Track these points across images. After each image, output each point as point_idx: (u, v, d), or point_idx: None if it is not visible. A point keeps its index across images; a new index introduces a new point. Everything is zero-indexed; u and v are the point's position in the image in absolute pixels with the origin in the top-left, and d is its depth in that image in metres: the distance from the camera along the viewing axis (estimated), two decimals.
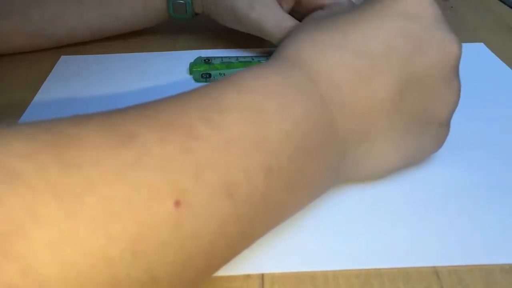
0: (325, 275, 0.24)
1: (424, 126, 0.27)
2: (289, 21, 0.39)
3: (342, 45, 0.24)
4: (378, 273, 0.24)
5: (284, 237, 0.26)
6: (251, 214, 0.20)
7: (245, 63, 0.42)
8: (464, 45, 0.45)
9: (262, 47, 0.45)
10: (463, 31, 0.49)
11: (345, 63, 0.24)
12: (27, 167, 0.16)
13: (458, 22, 0.51)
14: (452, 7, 0.55)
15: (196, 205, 0.18)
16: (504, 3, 0.55)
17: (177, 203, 0.18)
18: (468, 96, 0.38)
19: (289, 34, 0.27)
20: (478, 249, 0.25)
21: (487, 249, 0.25)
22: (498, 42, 0.46)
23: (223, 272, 0.24)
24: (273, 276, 0.24)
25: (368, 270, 0.24)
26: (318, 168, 0.23)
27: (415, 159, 0.29)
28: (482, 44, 0.46)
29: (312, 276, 0.24)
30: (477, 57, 0.44)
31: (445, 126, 0.28)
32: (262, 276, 0.24)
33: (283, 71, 0.24)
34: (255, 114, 0.21)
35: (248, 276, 0.24)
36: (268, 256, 0.25)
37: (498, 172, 0.30)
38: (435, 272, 0.24)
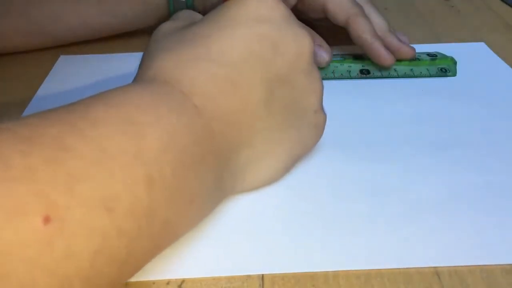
0: (325, 275, 0.24)
1: (300, 118, 0.28)
2: None
3: (206, 58, 0.24)
4: (378, 274, 0.24)
5: (285, 238, 0.26)
6: (136, 229, 0.19)
7: None
8: (465, 44, 0.46)
9: None
10: (463, 30, 0.49)
11: (213, 74, 0.24)
12: None
13: (459, 21, 0.51)
14: (453, 6, 0.55)
15: (70, 220, 0.17)
16: (505, 2, 0.55)
17: (47, 219, 0.16)
18: (469, 95, 0.38)
19: (143, 56, 0.27)
20: (479, 250, 0.25)
21: (488, 250, 0.25)
22: (498, 41, 0.46)
23: (223, 272, 0.24)
24: (273, 277, 0.24)
25: (368, 270, 0.24)
26: (202, 181, 0.23)
27: (302, 151, 0.29)
28: (482, 43, 0.46)
29: (312, 277, 0.24)
30: (478, 56, 0.44)
31: (320, 111, 0.29)
32: (262, 276, 0.24)
33: (153, 88, 0.23)
34: (128, 126, 0.20)
35: (248, 277, 0.24)
36: (268, 257, 0.25)
37: (499, 172, 0.30)
38: (436, 272, 0.24)
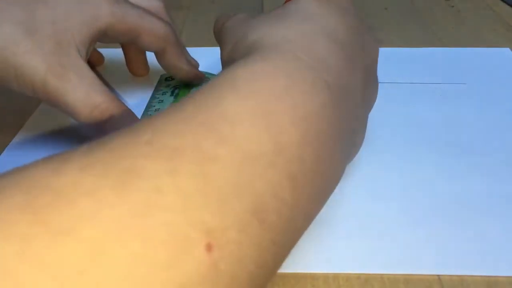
0: (325, 276, 0.24)
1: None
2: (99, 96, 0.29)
3: (322, 33, 0.23)
4: (379, 275, 0.24)
5: None
6: (283, 233, 0.18)
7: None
8: (489, 49, 0.45)
9: None
10: (463, 30, 0.49)
11: (334, 48, 0.23)
12: (5, 252, 0.13)
13: (459, 21, 0.51)
14: (453, 6, 0.55)
15: (228, 243, 0.15)
16: (505, 2, 0.55)
17: (209, 247, 0.15)
18: (488, 101, 0.37)
19: (232, 31, 0.25)
20: (485, 259, 0.24)
21: (494, 260, 0.24)
22: (498, 41, 0.46)
23: None
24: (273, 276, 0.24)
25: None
26: (337, 158, 0.21)
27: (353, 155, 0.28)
28: (507, 49, 0.45)
29: (312, 277, 0.24)
30: (502, 62, 0.42)
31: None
32: None
33: (283, 65, 0.20)
34: (265, 120, 0.18)
35: None
36: None
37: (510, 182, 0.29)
38: (437, 274, 0.24)
